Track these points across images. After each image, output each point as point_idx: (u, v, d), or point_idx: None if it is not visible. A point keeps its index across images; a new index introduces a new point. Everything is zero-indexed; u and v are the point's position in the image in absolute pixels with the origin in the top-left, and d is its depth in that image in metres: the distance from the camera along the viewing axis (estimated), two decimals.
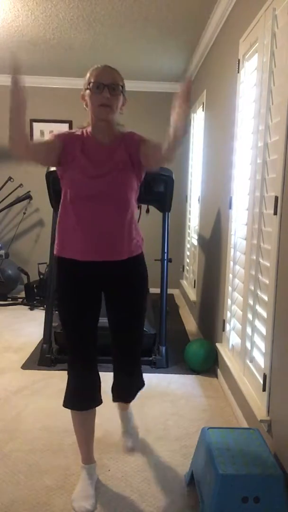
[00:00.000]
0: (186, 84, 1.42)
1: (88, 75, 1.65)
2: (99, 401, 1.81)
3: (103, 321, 1.82)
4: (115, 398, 1.92)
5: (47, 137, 5.81)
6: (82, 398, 1.77)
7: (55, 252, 1.75)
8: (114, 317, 1.81)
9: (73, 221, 1.66)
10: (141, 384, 1.96)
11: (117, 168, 1.65)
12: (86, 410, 1.78)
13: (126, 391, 1.92)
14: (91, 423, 1.83)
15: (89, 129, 1.70)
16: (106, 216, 1.65)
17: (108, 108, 1.61)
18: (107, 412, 2.39)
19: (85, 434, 1.83)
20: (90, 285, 1.74)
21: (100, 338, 1.82)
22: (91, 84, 1.61)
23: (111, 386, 1.91)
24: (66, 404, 1.78)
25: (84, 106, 1.68)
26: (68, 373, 1.79)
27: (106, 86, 1.59)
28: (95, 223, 1.65)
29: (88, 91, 1.63)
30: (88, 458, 1.85)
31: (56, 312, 4.17)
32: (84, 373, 1.76)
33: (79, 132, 1.71)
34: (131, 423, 2.05)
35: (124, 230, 1.69)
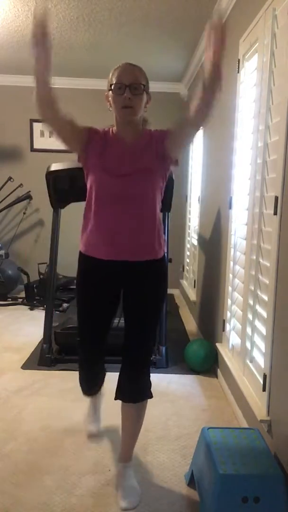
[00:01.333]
0: (218, 19, 1.41)
1: (110, 75, 1.64)
2: (101, 386, 2.07)
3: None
4: (118, 395, 1.79)
5: (47, 137, 5.70)
6: (88, 388, 2.01)
7: (80, 249, 1.77)
8: (130, 316, 1.80)
9: (97, 219, 1.67)
10: (148, 388, 1.80)
11: (141, 168, 1.63)
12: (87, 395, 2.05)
13: (131, 386, 1.77)
14: (99, 397, 2.12)
15: (115, 128, 1.70)
16: (130, 216, 1.65)
17: (130, 110, 1.60)
18: (107, 413, 2.39)
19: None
20: (110, 283, 1.76)
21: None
22: (112, 86, 1.60)
23: (116, 386, 1.82)
24: (81, 387, 2.00)
25: (108, 107, 1.67)
26: (78, 366, 1.95)
27: (128, 87, 1.57)
28: (119, 223, 1.65)
29: (110, 92, 1.62)
30: (92, 400, 2.13)
31: (57, 312, 4.18)
32: (91, 369, 1.93)
33: (107, 129, 1.71)
34: (132, 482, 1.82)
35: (146, 230, 1.68)
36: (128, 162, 1.64)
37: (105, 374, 2.01)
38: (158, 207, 1.72)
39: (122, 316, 1.84)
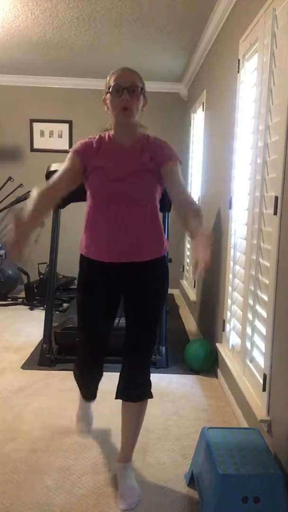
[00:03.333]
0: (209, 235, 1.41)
1: (108, 78, 1.67)
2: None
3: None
4: (119, 395, 1.79)
5: (47, 137, 5.70)
6: (87, 393, 1.98)
7: (81, 251, 1.79)
8: (131, 316, 1.81)
9: (98, 222, 1.70)
10: (148, 387, 1.80)
11: (139, 171, 1.65)
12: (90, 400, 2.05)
13: (132, 385, 1.77)
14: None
15: (112, 132, 1.72)
16: (129, 218, 1.67)
17: (128, 111, 1.62)
18: (107, 413, 2.39)
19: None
20: (111, 286, 1.78)
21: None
22: (110, 88, 1.62)
23: (116, 385, 1.83)
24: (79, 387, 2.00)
25: (106, 110, 1.69)
26: (74, 373, 1.93)
27: (125, 89, 1.60)
28: (118, 225, 1.67)
29: (108, 94, 1.64)
30: (83, 396, 2.08)
31: (57, 312, 4.18)
32: (91, 373, 1.90)
33: (97, 137, 1.72)
34: (132, 483, 1.82)
35: (146, 232, 1.70)
36: (125, 164, 1.65)
37: (102, 376, 1.97)
38: (157, 208, 1.73)
39: (122, 316, 1.84)
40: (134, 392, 1.76)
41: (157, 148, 1.69)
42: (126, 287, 1.78)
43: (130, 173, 1.64)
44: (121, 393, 1.77)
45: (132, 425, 1.83)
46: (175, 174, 1.65)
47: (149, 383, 1.80)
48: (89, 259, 1.75)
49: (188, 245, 4.76)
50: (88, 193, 1.72)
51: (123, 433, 1.86)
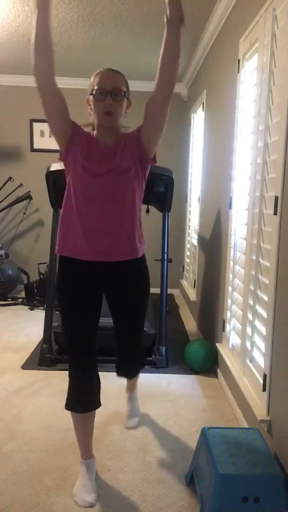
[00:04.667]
0: None
1: (92, 79, 1.65)
2: (98, 404, 1.81)
3: (102, 321, 1.83)
4: (119, 374, 2.10)
5: (47, 137, 5.71)
6: (81, 401, 1.77)
7: (56, 251, 1.75)
8: (116, 317, 1.88)
9: (75, 219, 1.67)
10: (140, 367, 2.18)
11: (119, 167, 1.64)
12: (85, 413, 1.78)
13: (128, 371, 2.12)
14: (91, 422, 1.84)
15: (95, 133, 1.71)
16: (107, 216, 1.65)
17: (111, 116, 1.62)
18: (108, 412, 2.39)
19: (85, 432, 1.84)
20: (91, 285, 1.75)
21: (100, 339, 1.83)
22: (94, 91, 1.61)
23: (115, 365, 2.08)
24: (67, 406, 1.78)
25: (89, 110, 1.68)
26: (68, 375, 1.79)
27: (109, 93, 1.59)
28: (96, 222, 1.65)
29: (91, 96, 1.63)
30: (87, 453, 1.87)
31: (57, 312, 4.18)
32: (83, 375, 1.77)
33: (88, 133, 1.72)
34: (136, 407, 2.35)
35: (125, 230, 1.69)
36: (106, 161, 1.65)
37: (99, 387, 1.83)
38: (137, 206, 1.72)
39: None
40: (128, 374, 2.14)
41: (132, 133, 1.71)
42: (108, 287, 1.79)
43: (109, 170, 1.63)
44: (120, 374, 2.09)
45: (131, 382, 2.30)
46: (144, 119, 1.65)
47: (140, 363, 2.17)
48: (66, 257, 1.72)
49: (187, 245, 4.76)
50: (67, 189, 1.70)
51: (127, 382, 2.32)
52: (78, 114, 1.89)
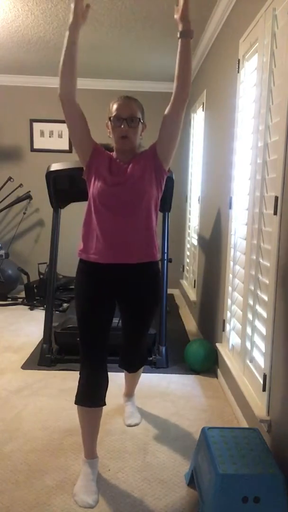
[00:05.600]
0: None
1: (110, 105, 1.81)
2: (104, 401, 1.85)
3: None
4: (121, 366, 2.24)
5: (47, 137, 5.73)
6: (91, 396, 1.81)
7: (78, 255, 1.88)
8: (127, 317, 1.99)
9: (95, 226, 1.80)
10: (143, 363, 2.25)
11: (133, 176, 1.78)
12: (94, 408, 1.81)
13: (129, 364, 2.23)
14: (97, 421, 1.87)
15: (114, 154, 1.88)
16: (125, 222, 1.78)
17: (126, 140, 1.78)
18: (109, 412, 2.39)
19: (91, 430, 1.87)
20: (108, 287, 1.85)
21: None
22: (111, 118, 1.78)
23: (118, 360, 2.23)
24: (78, 400, 1.82)
25: (108, 134, 1.84)
26: (80, 372, 1.85)
27: (125, 120, 1.76)
28: (115, 228, 1.78)
29: (110, 122, 1.80)
30: (91, 452, 1.88)
31: (57, 312, 4.18)
32: (96, 373, 1.83)
33: (110, 154, 1.87)
34: (135, 408, 2.42)
35: (140, 234, 1.81)
36: (123, 173, 1.80)
37: (107, 385, 1.87)
38: (153, 215, 1.85)
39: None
40: (129, 367, 2.24)
41: (148, 150, 1.88)
42: (123, 289, 1.89)
43: (125, 180, 1.78)
44: (120, 364, 2.23)
45: (133, 378, 2.34)
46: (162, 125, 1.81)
47: (144, 361, 2.22)
48: (86, 261, 1.84)
49: (187, 245, 4.76)
50: (89, 199, 1.83)
51: (126, 382, 2.38)
52: None
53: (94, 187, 1.80)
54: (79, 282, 1.87)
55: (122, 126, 1.76)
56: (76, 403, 1.82)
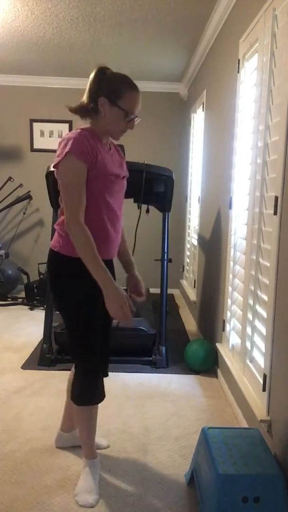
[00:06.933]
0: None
1: (123, 90, 1.61)
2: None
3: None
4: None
5: (47, 137, 5.67)
6: (98, 393, 1.80)
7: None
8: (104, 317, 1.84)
9: (102, 222, 1.70)
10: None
11: (123, 171, 1.79)
12: (98, 404, 1.83)
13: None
14: (96, 418, 1.88)
15: (95, 131, 1.68)
16: (120, 215, 1.79)
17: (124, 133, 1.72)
18: (107, 412, 2.39)
19: (93, 429, 1.87)
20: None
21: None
22: (124, 110, 1.61)
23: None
24: (83, 401, 1.78)
25: (103, 115, 1.65)
26: (78, 372, 1.78)
27: (135, 117, 1.68)
28: (117, 223, 1.77)
29: (115, 108, 1.61)
30: (93, 452, 1.88)
31: (57, 312, 4.17)
32: (98, 372, 1.81)
33: (85, 133, 1.64)
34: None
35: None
36: (118, 165, 1.77)
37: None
38: None
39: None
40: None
41: (119, 151, 1.87)
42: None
43: (124, 172, 1.79)
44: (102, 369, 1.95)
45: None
46: None
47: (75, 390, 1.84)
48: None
49: (187, 245, 4.76)
50: (96, 193, 1.66)
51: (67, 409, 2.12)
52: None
53: (101, 179, 1.65)
54: (86, 284, 1.67)
55: (131, 124, 1.67)
56: (82, 404, 1.77)
